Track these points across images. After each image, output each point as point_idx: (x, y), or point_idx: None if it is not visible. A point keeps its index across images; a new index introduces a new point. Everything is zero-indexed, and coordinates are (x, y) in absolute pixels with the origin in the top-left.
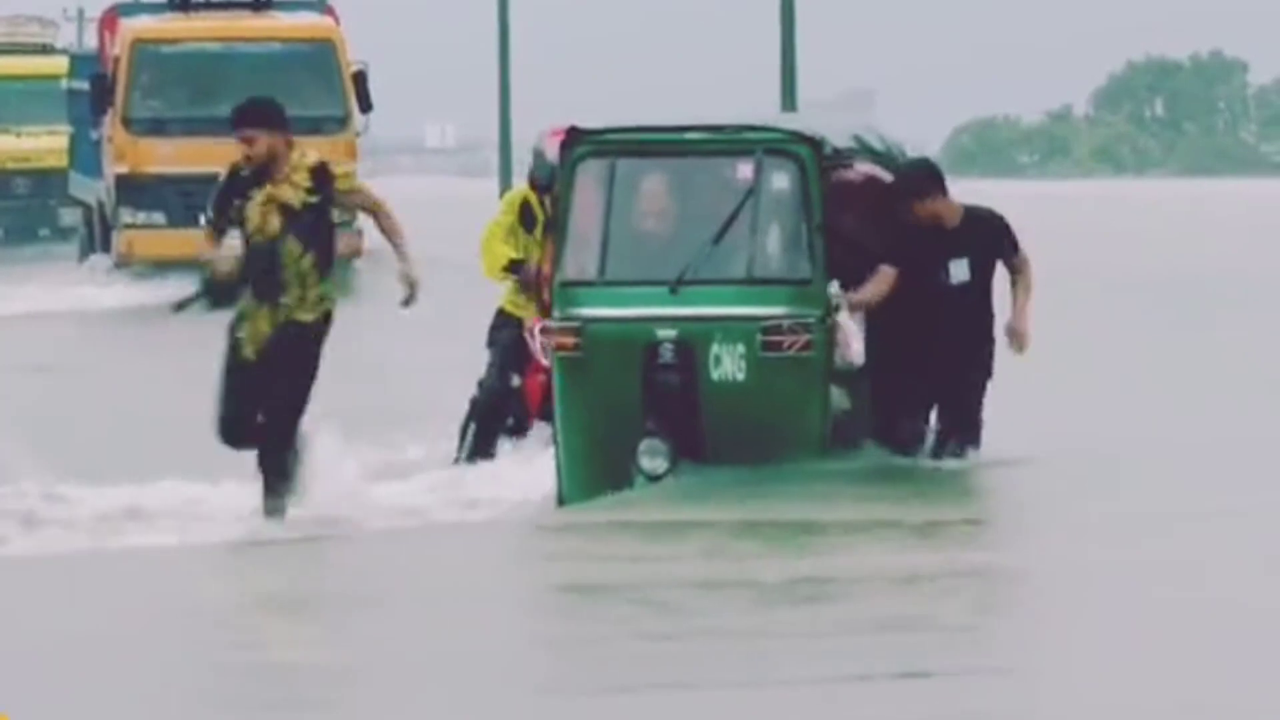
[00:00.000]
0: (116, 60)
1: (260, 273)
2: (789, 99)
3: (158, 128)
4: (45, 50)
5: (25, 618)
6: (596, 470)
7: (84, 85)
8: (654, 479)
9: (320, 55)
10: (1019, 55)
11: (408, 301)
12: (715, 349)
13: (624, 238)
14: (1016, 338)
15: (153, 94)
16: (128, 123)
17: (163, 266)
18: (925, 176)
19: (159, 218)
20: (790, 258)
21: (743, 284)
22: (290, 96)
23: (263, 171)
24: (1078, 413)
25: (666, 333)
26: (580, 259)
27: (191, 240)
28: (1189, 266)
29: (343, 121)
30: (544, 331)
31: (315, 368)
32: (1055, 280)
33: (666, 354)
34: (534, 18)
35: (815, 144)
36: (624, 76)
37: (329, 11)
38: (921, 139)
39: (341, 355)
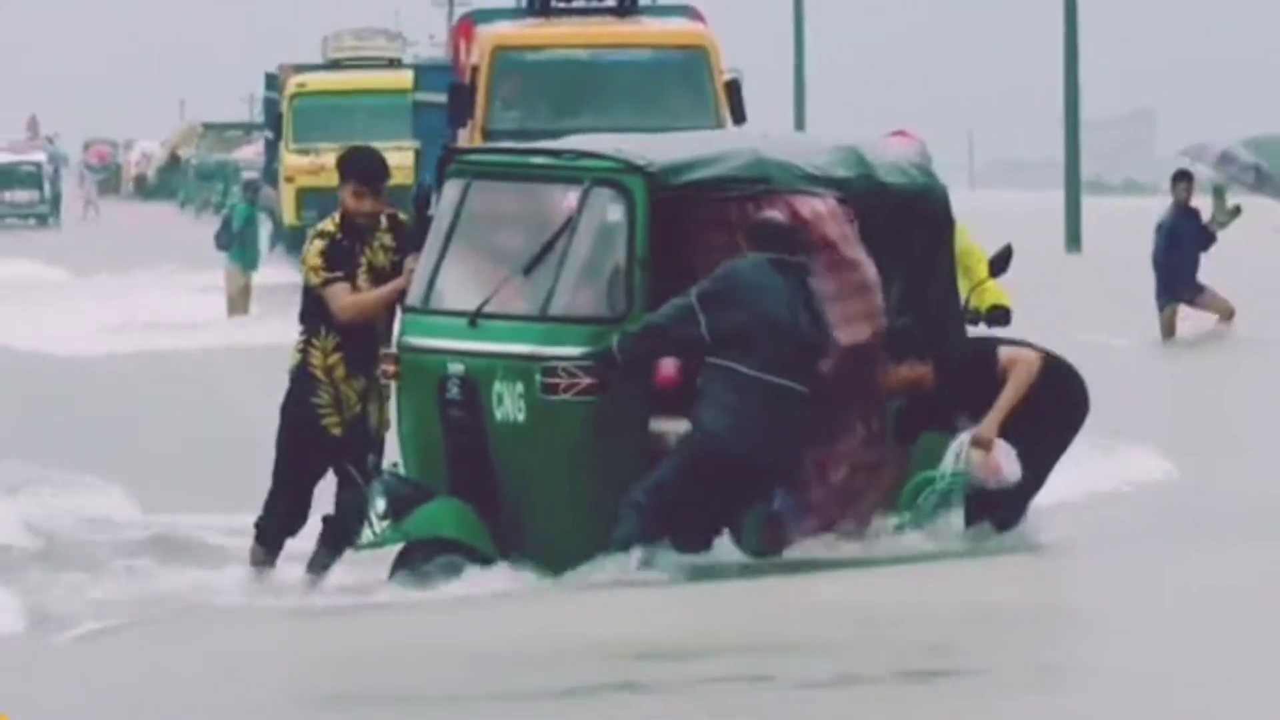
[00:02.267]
0: (475, 69)
1: (358, 345)
2: (1072, 117)
3: (520, 139)
4: (393, 64)
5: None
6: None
7: (431, 98)
8: (379, 519)
9: (692, 64)
10: None
11: None
12: (498, 387)
13: (457, 263)
14: (981, 444)
15: (515, 104)
16: (488, 135)
17: None
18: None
19: None
20: (601, 294)
21: (537, 320)
22: (659, 107)
23: (365, 231)
24: None
25: (455, 367)
26: (419, 283)
27: None
28: None
29: None
30: (382, 358)
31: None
32: None
33: (453, 389)
34: (825, 31)
35: (649, 175)
36: (909, 88)
37: (698, 17)
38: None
39: None
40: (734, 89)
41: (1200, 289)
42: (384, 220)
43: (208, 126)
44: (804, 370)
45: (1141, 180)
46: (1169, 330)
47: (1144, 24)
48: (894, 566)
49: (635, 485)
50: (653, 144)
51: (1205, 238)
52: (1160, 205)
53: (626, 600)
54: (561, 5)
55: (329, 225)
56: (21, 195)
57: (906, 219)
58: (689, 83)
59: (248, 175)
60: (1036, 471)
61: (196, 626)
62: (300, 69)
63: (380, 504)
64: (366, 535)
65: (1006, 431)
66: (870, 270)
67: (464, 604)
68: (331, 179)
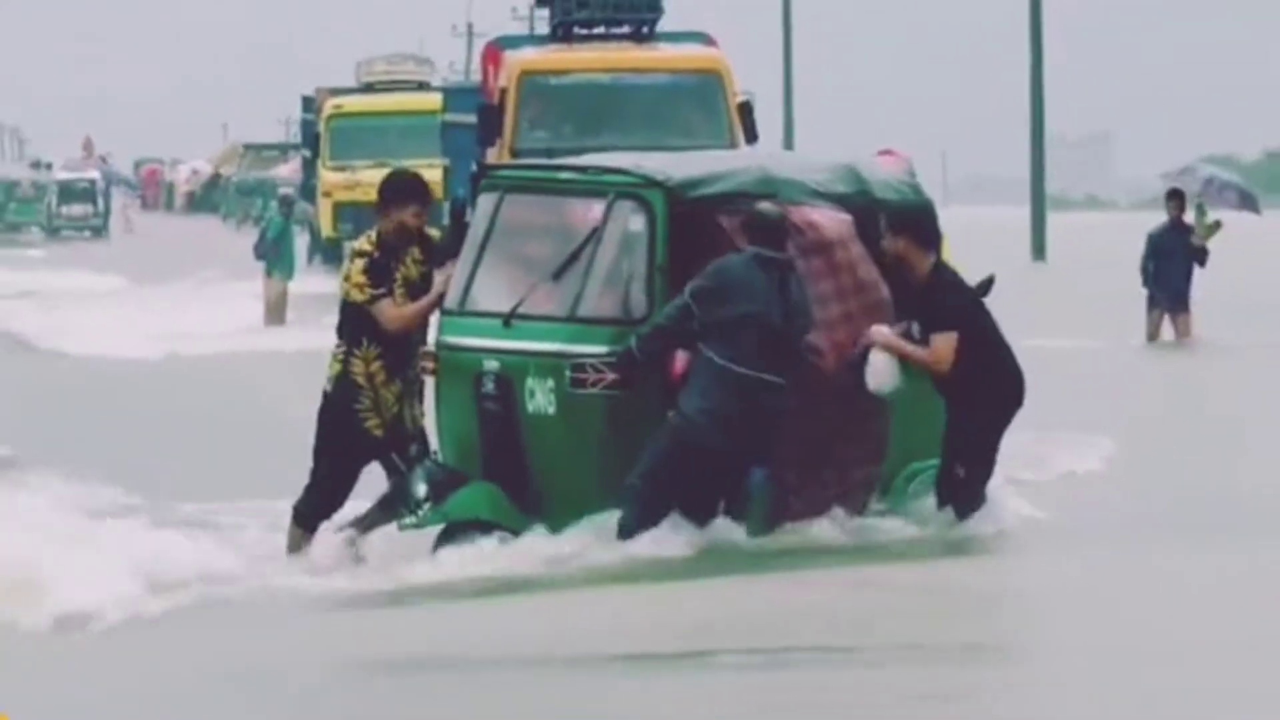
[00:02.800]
0: (504, 91)
1: (396, 352)
2: (1038, 137)
3: (546, 158)
4: (422, 87)
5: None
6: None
7: (459, 118)
8: (420, 504)
9: (707, 87)
10: (1239, 99)
11: None
12: (530, 382)
13: (491, 269)
14: (873, 334)
15: (540, 124)
16: (516, 154)
17: None
18: (905, 218)
19: None
20: (624, 297)
21: (566, 321)
22: (676, 127)
23: (399, 248)
24: None
25: (491, 364)
26: (456, 288)
27: None
28: None
29: None
30: (422, 355)
31: None
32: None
33: (489, 384)
34: (811, 58)
35: (668, 189)
36: (889, 111)
37: (711, 42)
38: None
39: None
40: (746, 110)
41: (1185, 306)
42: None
43: (248, 147)
44: (781, 363)
45: (1101, 196)
46: (1154, 333)
47: (1104, 53)
48: (881, 551)
49: (632, 471)
50: (671, 161)
51: (1196, 253)
52: (1119, 219)
53: (607, 599)
54: (583, 32)
55: (365, 244)
56: (78, 209)
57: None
58: (704, 104)
59: (283, 191)
60: (984, 457)
61: (204, 624)
62: (336, 92)
63: (421, 489)
64: (409, 518)
65: (950, 420)
66: (875, 279)
67: (471, 599)
68: (366, 194)
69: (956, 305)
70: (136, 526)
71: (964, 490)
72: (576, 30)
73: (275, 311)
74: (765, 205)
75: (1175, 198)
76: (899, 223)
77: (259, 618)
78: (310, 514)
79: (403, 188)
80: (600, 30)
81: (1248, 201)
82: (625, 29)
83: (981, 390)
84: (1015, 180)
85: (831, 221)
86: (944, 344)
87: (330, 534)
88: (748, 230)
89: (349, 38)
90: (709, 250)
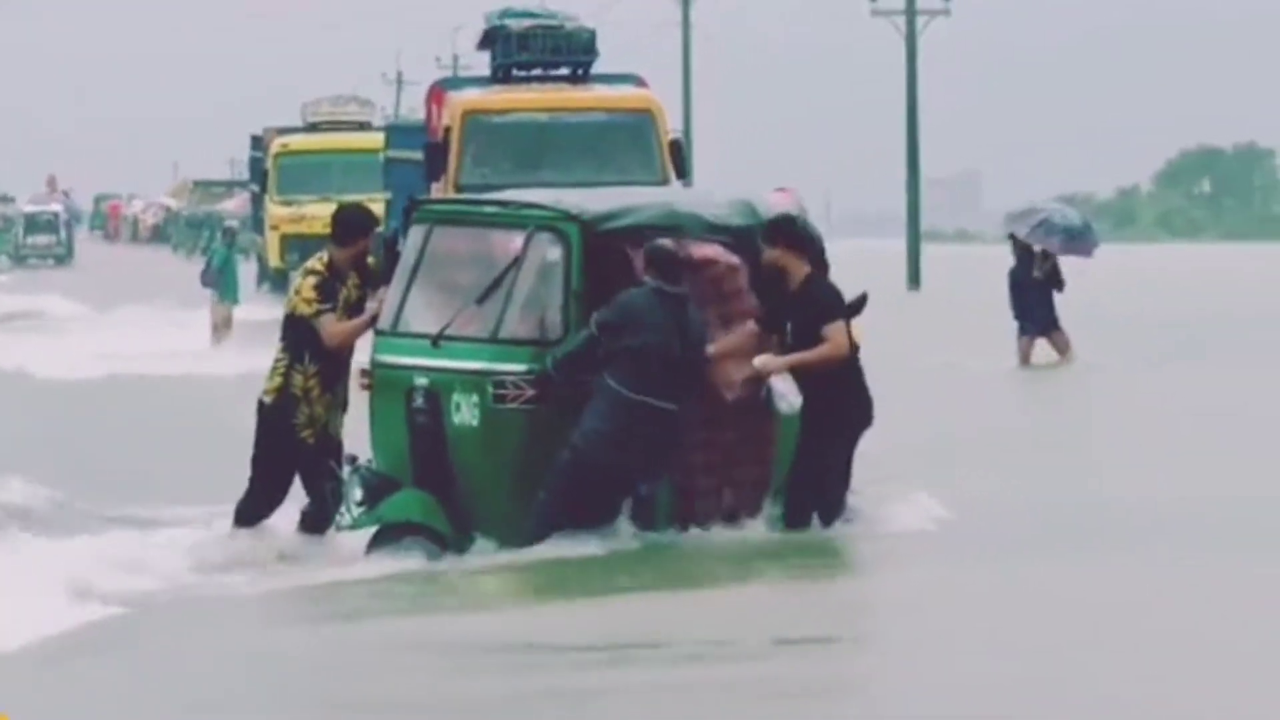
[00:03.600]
0: (448, 130)
1: (331, 368)
2: (913, 176)
3: (489, 192)
4: (363, 127)
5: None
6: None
7: (400, 154)
8: (356, 506)
9: (640, 125)
10: (1094, 143)
11: None
12: (456, 397)
13: (421, 294)
14: (766, 369)
15: (483, 161)
16: (460, 188)
17: None
18: (778, 228)
19: None
20: (542, 320)
21: (489, 342)
22: (610, 164)
23: (344, 272)
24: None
25: (421, 380)
26: (389, 311)
27: None
28: (1228, 309)
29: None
30: (360, 373)
31: None
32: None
33: (419, 399)
34: (707, 102)
35: (583, 222)
36: (778, 151)
37: (643, 84)
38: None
39: None
40: (677, 148)
41: (1054, 326)
42: None
43: (196, 183)
44: (676, 390)
45: (971, 230)
46: (1024, 358)
47: (973, 98)
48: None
49: (540, 486)
50: (586, 196)
51: (1052, 282)
52: (987, 251)
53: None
54: (521, 74)
55: (317, 265)
56: (42, 239)
57: None
58: (638, 142)
59: (227, 224)
60: (840, 471)
61: (195, 624)
62: (283, 131)
63: (358, 493)
64: (345, 519)
65: (804, 436)
66: (754, 303)
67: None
68: (311, 227)
69: (835, 296)
70: (85, 528)
71: (810, 502)
72: (515, 72)
73: (221, 330)
74: (662, 241)
75: (1011, 239)
76: (774, 233)
77: (232, 624)
78: (250, 515)
79: (360, 222)
80: (538, 72)
81: (1073, 244)
82: (563, 70)
83: (837, 408)
84: (892, 215)
85: (722, 255)
86: (836, 331)
87: (260, 535)
88: (648, 265)
89: (288, 83)
90: (620, 278)
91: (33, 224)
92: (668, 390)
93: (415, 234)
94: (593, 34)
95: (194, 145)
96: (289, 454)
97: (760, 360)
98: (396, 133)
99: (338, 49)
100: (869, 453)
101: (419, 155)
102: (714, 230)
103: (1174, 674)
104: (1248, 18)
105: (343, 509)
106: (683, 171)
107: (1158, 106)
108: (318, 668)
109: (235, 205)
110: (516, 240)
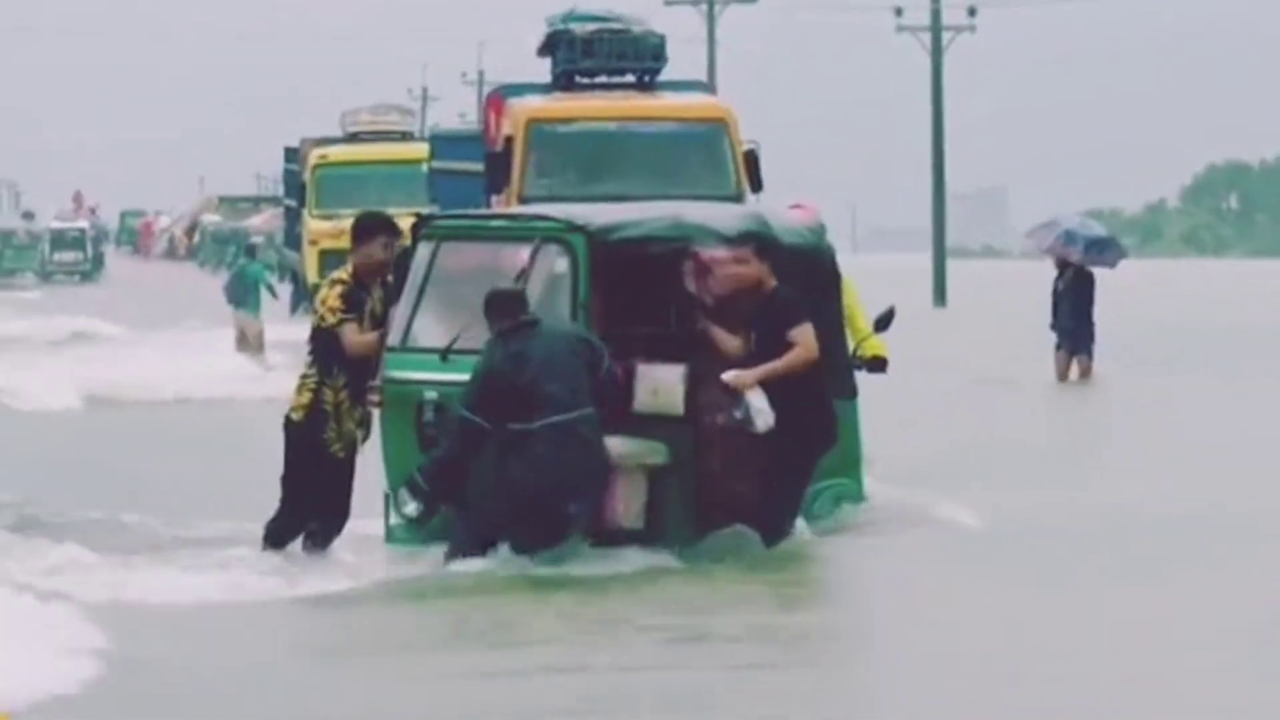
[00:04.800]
0: (509, 140)
1: (359, 380)
2: (939, 191)
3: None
4: (405, 137)
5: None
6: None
7: (446, 165)
8: (411, 521)
9: (713, 135)
10: (1120, 158)
11: None
12: None
13: (429, 310)
14: (736, 384)
15: (547, 172)
16: (524, 201)
17: None
18: (758, 240)
19: None
20: None
21: None
22: (680, 176)
23: (370, 283)
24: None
25: (430, 395)
26: (398, 327)
27: None
28: (1253, 322)
29: (735, 202)
30: (370, 389)
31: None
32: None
33: (429, 413)
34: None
35: (589, 233)
36: (804, 168)
37: (712, 91)
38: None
39: None
40: (752, 159)
41: (1083, 348)
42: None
43: (222, 199)
44: (527, 412)
45: (996, 245)
46: (1061, 374)
47: (999, 113)
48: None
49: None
50: (593, 208)
51: (1077, 293)
52: (1013, 267)
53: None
54: (585, 81)
55: (343, 274)
56: (69, 256)
57: (800, 272)
58: (710, 153)
59: (250, 240)
60: (795, 489)
61: (198, 626)
62: (321, 142)
63: (412, 507)
64: (399, 533)
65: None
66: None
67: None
68: None
69: (798, 301)
70: (119, 546)
71: (774, 521)
72: (578, 79)
73: (246, 342)
74: (496, 289)
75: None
76: (759, 248)
77: (254, 623)
78: (280, 535)
79: (369, 224)
80: (603, 79)
81: (1095, 255)
82: (629, 77)
83: (801, 428)
84: (918, 230)
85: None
86: (804, 334)
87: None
88: (485, 313)
89: (324, 92)
90: (626, 287)
91: (59, 240)
92: (518, 413)
93: (423, 250)
94: (662, 39)
95: (220, 160)
96: (319, 471)
97: (730, 375)
98: (442, 143)
99: (360, 65)
100: (896, 463)
101: (467, 166)
102: (722, 241)
103: (1206, 687)
104: (1276, 32)
105: (394, 520)
106: (757, 184)
107: (1184, 121)
108: (344, 691)
109: (262, 221)
110: (523, 253)
